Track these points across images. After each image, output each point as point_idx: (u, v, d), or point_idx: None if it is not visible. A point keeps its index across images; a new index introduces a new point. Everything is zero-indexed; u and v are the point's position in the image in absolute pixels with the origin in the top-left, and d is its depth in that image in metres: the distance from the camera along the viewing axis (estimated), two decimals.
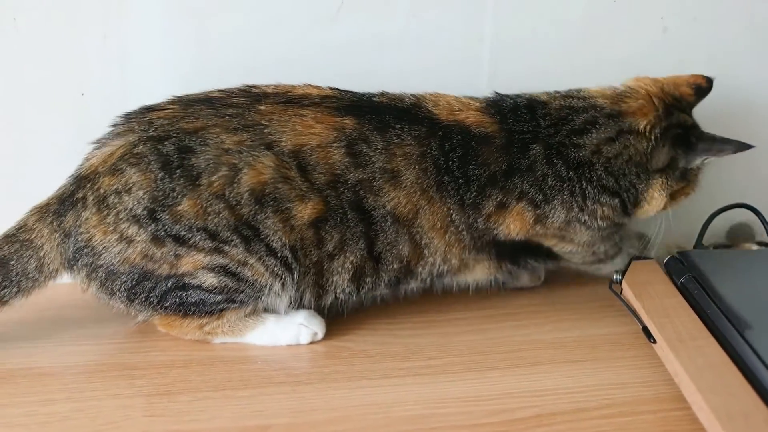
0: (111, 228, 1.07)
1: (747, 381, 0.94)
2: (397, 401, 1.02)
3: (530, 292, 1.31)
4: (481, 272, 1.22)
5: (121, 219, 1.07)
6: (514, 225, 1.16)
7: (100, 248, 1.08)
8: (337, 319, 1.20)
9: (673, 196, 1.21)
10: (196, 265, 1.08)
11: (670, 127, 1.18)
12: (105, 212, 1.07)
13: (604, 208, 1.18)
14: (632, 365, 1.10)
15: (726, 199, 1.34)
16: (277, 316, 1.15)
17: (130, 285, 1.09)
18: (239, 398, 1.03)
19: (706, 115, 1.26)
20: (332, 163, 1.10)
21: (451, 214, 1.14)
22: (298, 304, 1.15)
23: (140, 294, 1.09)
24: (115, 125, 1.12)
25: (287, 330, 1.15)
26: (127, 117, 1.12)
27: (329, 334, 1.17)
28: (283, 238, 1.09)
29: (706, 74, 1.25)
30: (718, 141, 1.19)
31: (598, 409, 1.01)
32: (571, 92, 1.21)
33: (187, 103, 1.12)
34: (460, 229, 1.15)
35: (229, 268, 1.09)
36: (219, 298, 1.10)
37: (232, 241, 1.08)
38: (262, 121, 1.10)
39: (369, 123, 1.13)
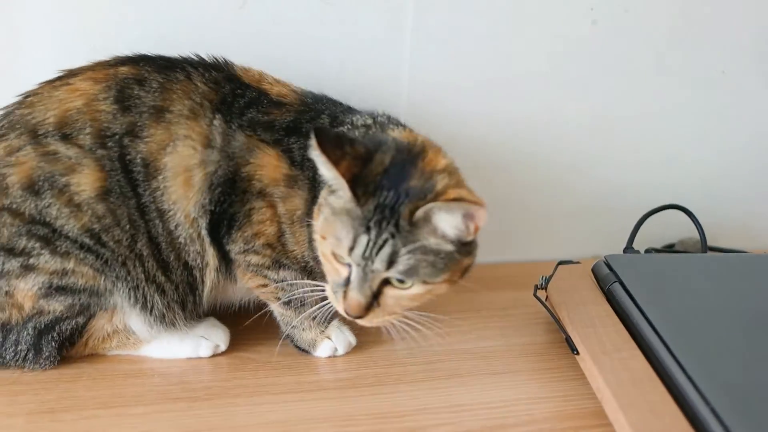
0: None
1: (672, 397, 0.90)
2: (303, 419, 0.96)
3: (456, 297, 1.24)
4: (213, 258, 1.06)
5: None
6: (265, 168, 1.02)
7: None
8: (244, 328, 1.12)
9: None
10: (31, 297, 1.00)
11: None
12: None
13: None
14: (556, 377, 1.06)
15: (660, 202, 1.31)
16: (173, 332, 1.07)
17: None
18: (130, 416, 0.95)
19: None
20: (98, 117, 0.99)
21: (213, 137, 1.01)
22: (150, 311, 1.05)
23: (10, 351, 1.02)
24: None
25: (185, 342, 1.07)
26: None
27: (234, 343, 1.10)
28: (75, 223, 0.98)
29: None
30: None
31: (517, 426, 0.96)
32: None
33: None
34: (216, 158, 1.01)
35: (54, 285, 0.99)
36: (81, 318, 1.02)
37: (33, 249, 0.98)
38: (26, 112, 1.00)
39: (151, 65, 1.03)
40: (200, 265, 1.04)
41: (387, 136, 0.99)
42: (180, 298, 1.05)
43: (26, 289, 0.99)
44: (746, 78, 1.41)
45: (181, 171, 1.00)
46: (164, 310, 1.04)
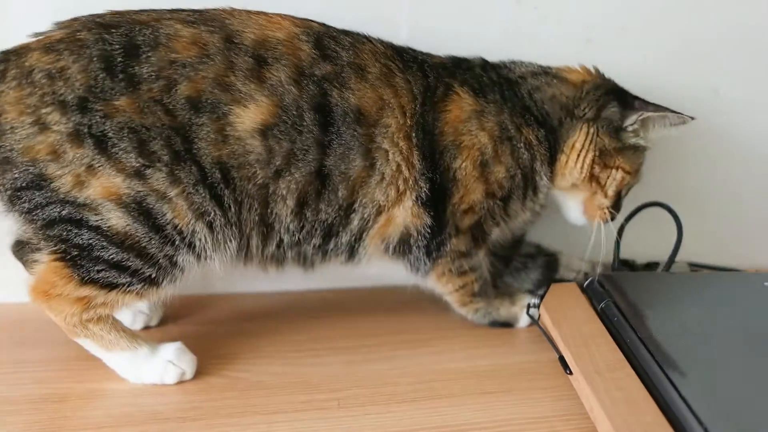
0: (29, 110, 0.94)
1: (665, 417, 0.89)
2: None
3: (447, 315, 1.24)
4: (403, 217, 1.10)
5: (45, 102, 0.94)
6: (453, 112, 1.11)
7: (7, 128, 0.95)
8: (234, 347, 1.12)
9: (603, 158, 1.16)
10: (107, 193, 0.96)
11: (606, 83, 1.19)
12: (27, 90, 0.95)
13: (530, 131, 1.14)
14: (549, 397, 1.05)
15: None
16: (152, 348, 1.05)
17: (18, 185, 0.96)
18: None
19: None
20: (299, 55, 1.04)
21: (416, 104, 1.09)
22: (245, 253, 1.06)
23: (25, 201, 0.97)
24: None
25: (152, 365, 1.04)
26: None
27: (225, 362, 1.10)
28: (215, 153, 0.99)
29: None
30: (655, 105, 1.16)
31: None
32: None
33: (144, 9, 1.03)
34: (419, 124, 1.09)
35: (145, 202, 0.97)
36: (113, 252, 0.97)
37: (159, 160, 0.96)
38: (224, 15, 1.03)
39: (335, 29, 1.09)
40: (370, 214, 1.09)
41: None
42: (299, 240, 1.08)
43: (113, 184, 0.96)
44: (740, 97, 1.41)
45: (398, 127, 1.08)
46: (262, 252, 1.08)
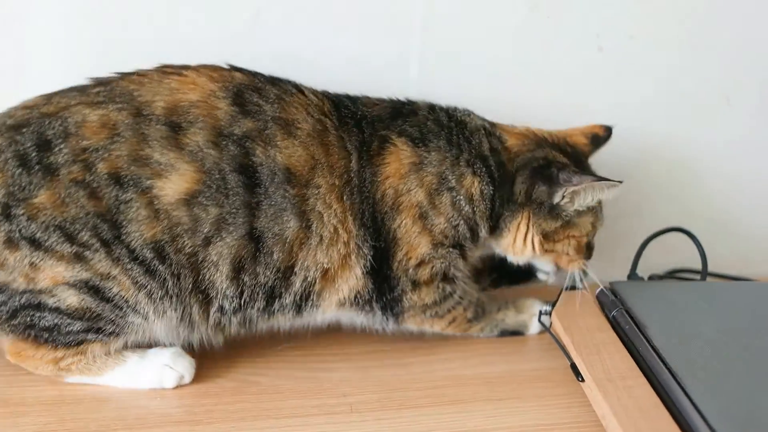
0: None
1: (677, 426, 0.89)
2: None
3: None
4: (350, 284, 1.07)
5: None
6: (392, 165, 1.06)
7: None
8: (248, 351, 1.12)
9: (550, 237, 1.13)
10: (56, 280, 0.97)
11: (534, 159, 1.12)
12: None
13: (475, 183, 1.09)
14: (560, 404, 1.05)
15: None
16: (140, 354, 1.05)
17: None
18: None
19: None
20: (215, 114, 1.00)
21: (350, 162, 1.05)
22: (188, 321, 1.03)
23: None
24: None
25: (148, 371, 1.04)
26: None
27: (237, 366, 1.10)
28: (146, 233, 0.97)
29: (607, 123, 1.22)
30: (580, 174, 1.10)
31: None
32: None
33: (56, 93, 1.02)
34: (353, 184, 1.05)
35: (92, 283, 0.98)
36: (78, 325, 0.99)
37: (92, 245, 0.97)
38: (132, 87, 1.00)
39: (262, 77, 1.06)
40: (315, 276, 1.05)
41: None
42: (240, 306, 1.04)
43: (58, 273, 0.97)
44: (750, 106, 1.41)
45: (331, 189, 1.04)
46: (203, 319, 1.04)
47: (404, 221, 1.07)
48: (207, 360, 1.09)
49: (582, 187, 1.09)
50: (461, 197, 1.09)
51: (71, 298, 0.98)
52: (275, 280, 1.03)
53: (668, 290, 1.22)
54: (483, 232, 1.12)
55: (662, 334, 1.04)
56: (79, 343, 1.01)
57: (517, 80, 1.32)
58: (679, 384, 0.93)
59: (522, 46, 1.31)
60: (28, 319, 0.99)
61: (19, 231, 0.96)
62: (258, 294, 1.03)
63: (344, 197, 1.04)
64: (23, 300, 0.98)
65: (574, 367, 1.03)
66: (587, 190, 1.10)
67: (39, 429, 0.95)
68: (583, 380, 1.01)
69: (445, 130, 1.11)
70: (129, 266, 0.98)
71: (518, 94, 1.31)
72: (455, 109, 1.16)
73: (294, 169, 1.01)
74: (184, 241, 0.99)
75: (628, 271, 1.28)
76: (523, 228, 1.12)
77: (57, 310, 0.98)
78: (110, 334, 1.01)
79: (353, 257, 1.06)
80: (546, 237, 1.12)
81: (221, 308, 1.03)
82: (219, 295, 1.02)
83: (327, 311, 1.09)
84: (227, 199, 0.99)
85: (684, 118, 1.40)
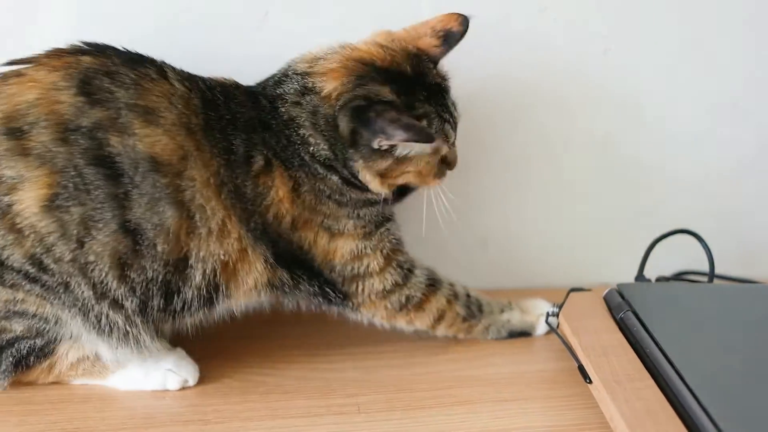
0: None
1: (686, 428, 0.89)
2: None
3: None
4: (255, 276, 1.02)
5: None
6: (280, 190, 1.01)
7: None
8: (256, 351, 1.12)
9: (387, 175, 1.05)
10: None
11: (354, 98, 1.01)
12: None
13: (333, 178, 1.03)
14: (567, 405, 1.05)
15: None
16: (141, 359, 1.04)
17: None
18: None
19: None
20: (57, 110, 0.92)
21: (220, 169, 0.98)
22: (111, 327, 0.98)
23: None
24: None
25: (151, 376, 1.04)
26: None
27: (245, 366, 1.10)
28: (17, 255, 0.93)
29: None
30: (397, 123, 0.99)
31: None
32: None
33: None
34: (230, 188, 0.99)
35: (10, 310, 0.97)
36: (39, 340, 1.00)
37: None
38: None
39: (118, 57, 0.97)
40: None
41: None
42: (141, 305, 0.98)
43: None
44: (760, 107, 1.42)
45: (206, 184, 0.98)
46: (126, 327, 0.99)
47: (308, 237, 1.04)
48: (213, 360, 1.09)
49: (393, 142, 1.01)
50: (339, 196, 1.04)
51: (15, 325, 0.98)
52: (167, 273, 0.97)
53: (676, 292, 1.21)
54: (372, 195, 1.07)
55: (670, 336, 1.03)
56: (53, 350, 1.01)
57: (521, 80, 1.32)
58: (687, 386, 0.93)
59: (529, 49, 1.31)
60: (11, 359, 1.00)
61: None
62: (152, 290, 0.97)
63: (222, 196, 0.98)
64: None
65: (581, 368, 1.03)
66: (400, 144, 1.02)
67: (47, 428, 0.96)
68: (590, 382, 1.01)
69: (290, 145, 1.03)
70: (28, 287, 0.96)
71: (521, 94, 1.32)
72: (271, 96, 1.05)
73: (160, 158, 0.94)
74: (62, 249, 0.93)
75: (636, 273, 1.27)
76: (363, 171, 1.03)
77: (21, 338, 0.99)
78: (59, 335, 1.00)
79: (250, 252, 1.01)
80: (383, 176, 1.05)
81: (125, 309, 0.98)
82: (119, 296, 0.97)
83: (245, 298, 1.05)
84: (89, 195, 0.92)
85: (689, 119, 1.40)
